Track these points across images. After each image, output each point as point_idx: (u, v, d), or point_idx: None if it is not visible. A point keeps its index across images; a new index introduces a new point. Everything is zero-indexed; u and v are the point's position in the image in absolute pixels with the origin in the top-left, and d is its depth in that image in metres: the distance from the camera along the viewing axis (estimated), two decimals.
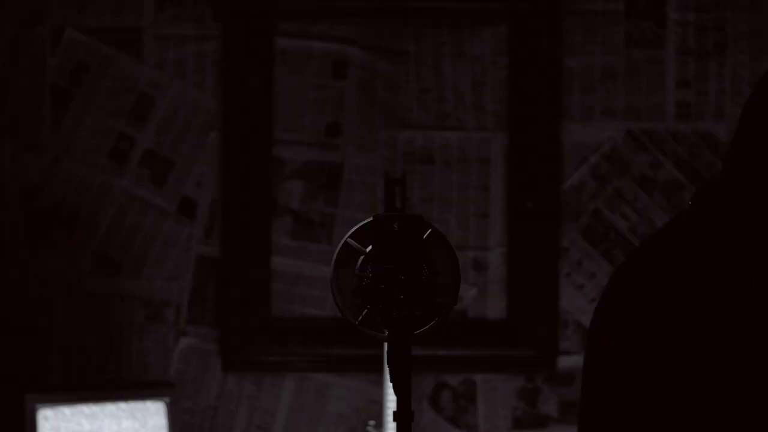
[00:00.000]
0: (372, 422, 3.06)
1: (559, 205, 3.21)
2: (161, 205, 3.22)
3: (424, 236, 1.76)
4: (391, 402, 1.72)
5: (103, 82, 3.21)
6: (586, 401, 1.55)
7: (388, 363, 1.72)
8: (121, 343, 3.21)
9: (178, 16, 3.21)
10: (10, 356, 3.17)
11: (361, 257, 1.77)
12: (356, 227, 1.81)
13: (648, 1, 3.23)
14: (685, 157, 3.23)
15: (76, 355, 3.20)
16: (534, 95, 3.20)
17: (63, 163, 3.20)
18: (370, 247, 1.77)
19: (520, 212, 3.21)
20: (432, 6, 3.24)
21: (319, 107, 3.23)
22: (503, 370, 3.22)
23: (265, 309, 3.21)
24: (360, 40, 3.23)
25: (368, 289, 1.74)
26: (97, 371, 3.20)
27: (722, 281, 1.46)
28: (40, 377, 3.19)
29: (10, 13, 3.17)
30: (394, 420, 1.71)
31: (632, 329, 1.48)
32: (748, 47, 3.23)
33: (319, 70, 3.23)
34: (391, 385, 1.72)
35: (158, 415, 2.99)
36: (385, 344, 1.74)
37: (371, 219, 1.77)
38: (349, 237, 1.79)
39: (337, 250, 1.80)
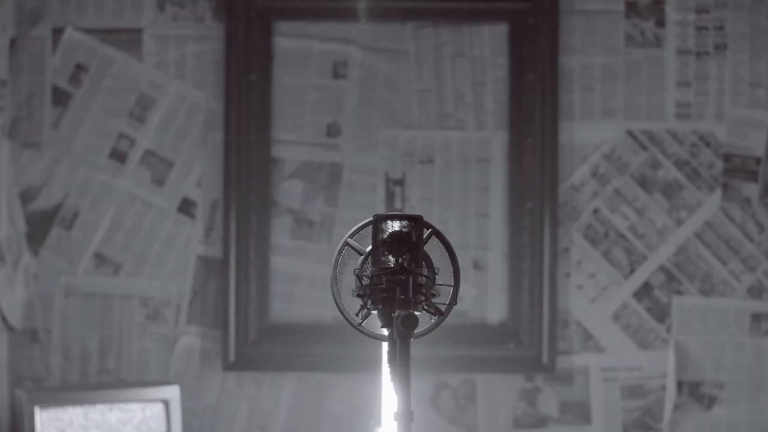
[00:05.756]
0: (372, 422, 3.06)
1: (559, 205, 3.20)
2: (161, 205, 3.22)
3: (425, 236, 1.76)
4: (390, 402, 1.72)
5: (103, 82, 3.21)
6: None
7: (388, 363, 1.72)
8: (121, 343, 3.21)
9: (178, 16, 3.21)
10: (10, 356, 3.17)
11: (361, 257, 1.77)
12: (356, 227, 1.80)
13: (648, 1, 3.23)
14: (685, 157, 3.23)
15: (76, 355, 3.20)
16: (534, 95, 3.20)
17: (63, 163, 3.20)
18: (369, 248, 1.77)
19: (520, 212, 3.21)
20: (432, 6, 3.24)
21: (319, 107, 3.23)
22: (503, 370, 3.22)
23: (265, 309, 3.21)
24: (360, 40, 3.22)
25: (368, 289, 1.73)
26: (97, 371, 3.20)
27: None
28: (41, 377, 3.19)
29: (10, 13, 3.17)
30: (394, 420, 1.71)
31: None
32: (748, 47, 3.23)
33: (319, 70, 3.23)
34: (390, 385, 1.72)
35: (158, 415, 2.99)
36: (385, 344, 1.74)
37: (371, 219, 1.77)
38: (349, 237, 1.79)
39: (337, 251, 1.80)
